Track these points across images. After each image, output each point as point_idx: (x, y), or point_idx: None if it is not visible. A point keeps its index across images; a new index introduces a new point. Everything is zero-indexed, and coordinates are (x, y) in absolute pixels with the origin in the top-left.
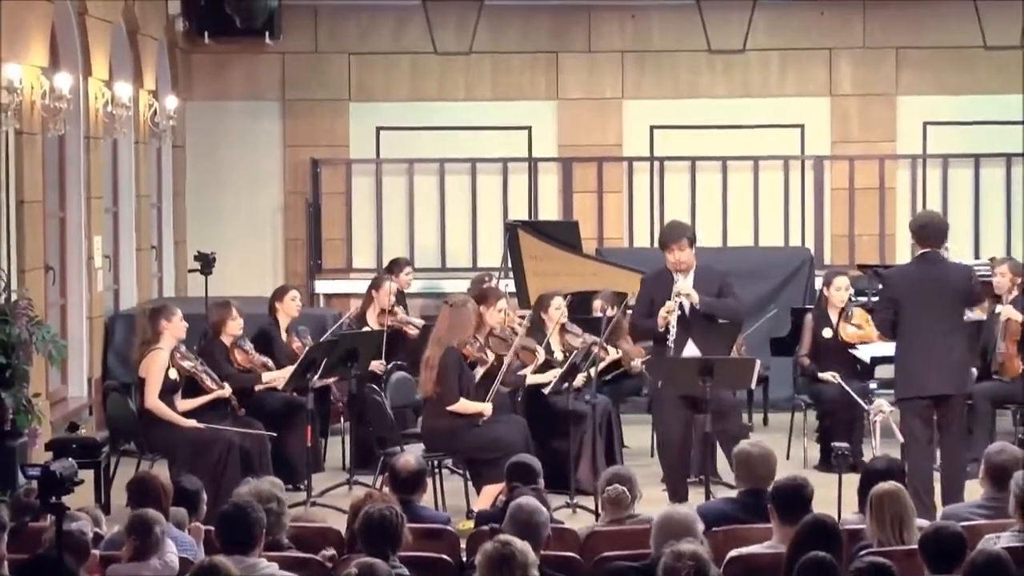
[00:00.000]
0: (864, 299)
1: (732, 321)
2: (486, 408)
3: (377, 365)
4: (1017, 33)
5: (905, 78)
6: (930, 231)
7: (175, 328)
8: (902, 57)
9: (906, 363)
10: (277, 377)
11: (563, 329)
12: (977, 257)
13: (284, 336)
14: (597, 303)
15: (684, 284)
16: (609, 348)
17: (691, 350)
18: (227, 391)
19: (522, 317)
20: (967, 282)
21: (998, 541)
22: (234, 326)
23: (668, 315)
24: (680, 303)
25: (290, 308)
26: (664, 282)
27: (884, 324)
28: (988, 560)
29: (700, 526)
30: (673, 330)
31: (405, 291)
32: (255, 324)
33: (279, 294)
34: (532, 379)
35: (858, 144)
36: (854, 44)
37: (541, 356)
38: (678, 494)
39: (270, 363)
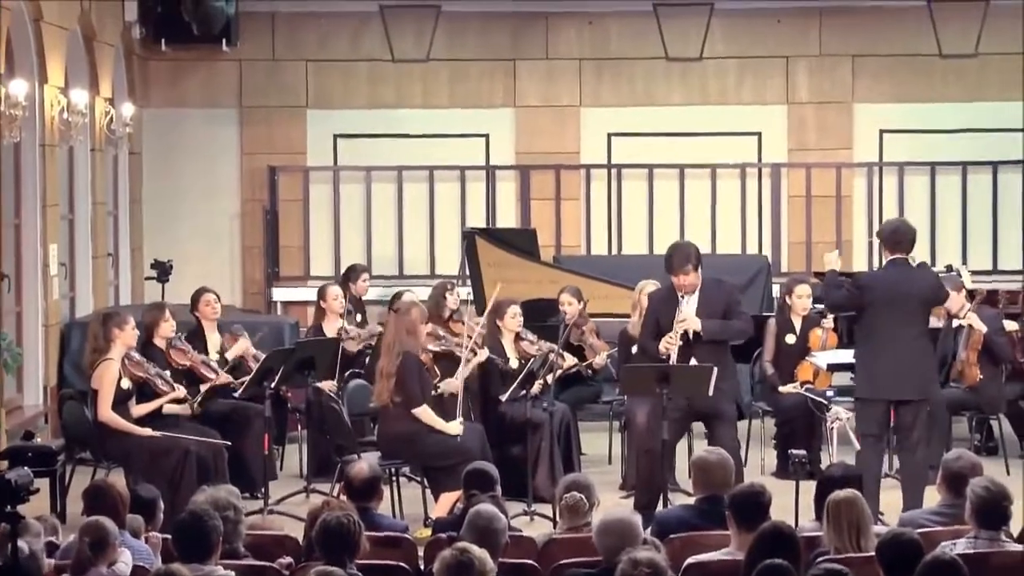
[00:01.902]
0: (821, 306)
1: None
2: (452, 428)
3: (328, 385)
4: (972, 41)
5: (861, 86)
6: (901, 237)
7: (127, 336)
8: (858, 65)
9: (870, 364)
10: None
11: (518, 337)
12: (933, 265)
13: (217, 336)
14: (563, 296)
15: (687, 312)
16: (567, 356)
17: None
18: (181, 392)
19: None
20: (936, 289)
21: (954, 548)
22: (167, 328)
23: (670, 346)
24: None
25: (207, 313)
26: (671, 303)
27: (836, 309)
28: (939, 565)
29: (640, 528)
30: (673, 359)
31: (362, 298)
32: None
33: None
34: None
35: (815, 152)
36: (810, 52)
37: (483, 355)
38: (643, 500)
39: (210, 360)
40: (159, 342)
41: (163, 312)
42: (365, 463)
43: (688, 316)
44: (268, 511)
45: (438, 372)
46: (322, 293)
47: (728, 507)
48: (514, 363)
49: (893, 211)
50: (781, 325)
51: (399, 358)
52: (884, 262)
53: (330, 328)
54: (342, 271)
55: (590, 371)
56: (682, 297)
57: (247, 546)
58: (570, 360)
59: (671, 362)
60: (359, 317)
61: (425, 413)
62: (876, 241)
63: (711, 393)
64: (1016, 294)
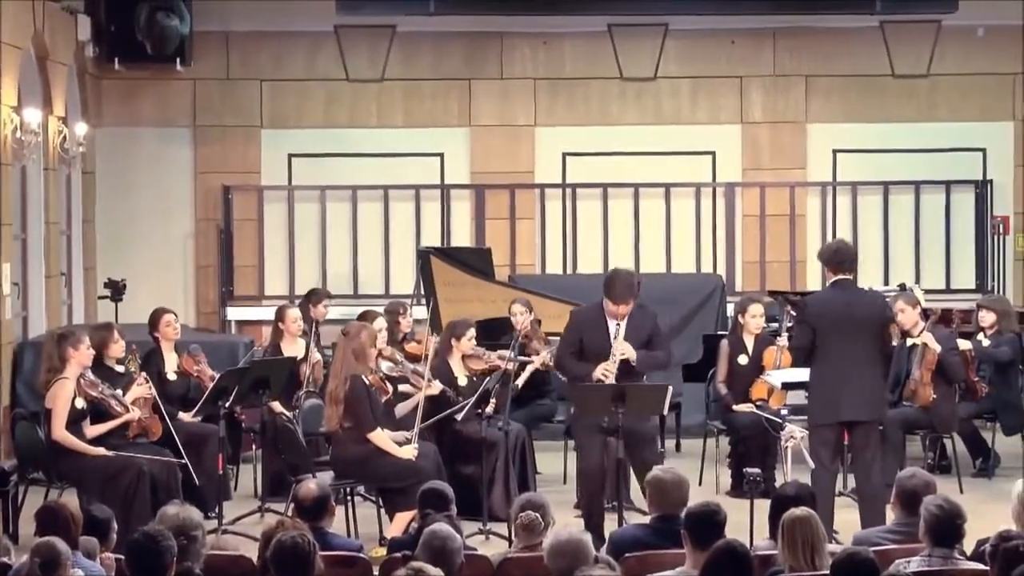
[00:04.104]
0: (776, 325)
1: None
2: (405, 453)
3: (277, 405)
4: (925, 62)
5: (815, 106)
6: (842, 256)
7: (81, 356)
8: (812, 85)
9: (821, 389)
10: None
11: (467, 356)
12: (887, 284)
13: (175, 356)
14: (515, 307)
15: (624, 344)
16: (532, 359)
17: None
18: (135, 414)
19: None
20: (883, 310)
21: (908, 566)
22: (116, 348)
23: (607, 375)
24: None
25: (167, 333)
26: (599, 326)
27: (801, 351)
28: None
29: (591, 547)
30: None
31: (320, 322)
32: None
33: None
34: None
35: (769, 171)
36: (764, 72)
37: (436, 388)
38: (593, 520)
39: (119, 395)
40: (108, 362)
41: (112, 332)
42: (313, 482)
43: (626, 346)
44: (222, 531)
45: (389, 389)
46: (281, 314)
47: (684, 526)
48: (462, 380)
49: (847, 230)
50: (734, 345)
51: (347, 383)
52: (828, 284)
53: (288, 349)
54: (296, 290)
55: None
56: (617, 325)
57: (202, 567)
58: (537, 360)
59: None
60: (314, 339)
61: (379, 437)
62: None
63: (665, 412)
64: (969, 313)
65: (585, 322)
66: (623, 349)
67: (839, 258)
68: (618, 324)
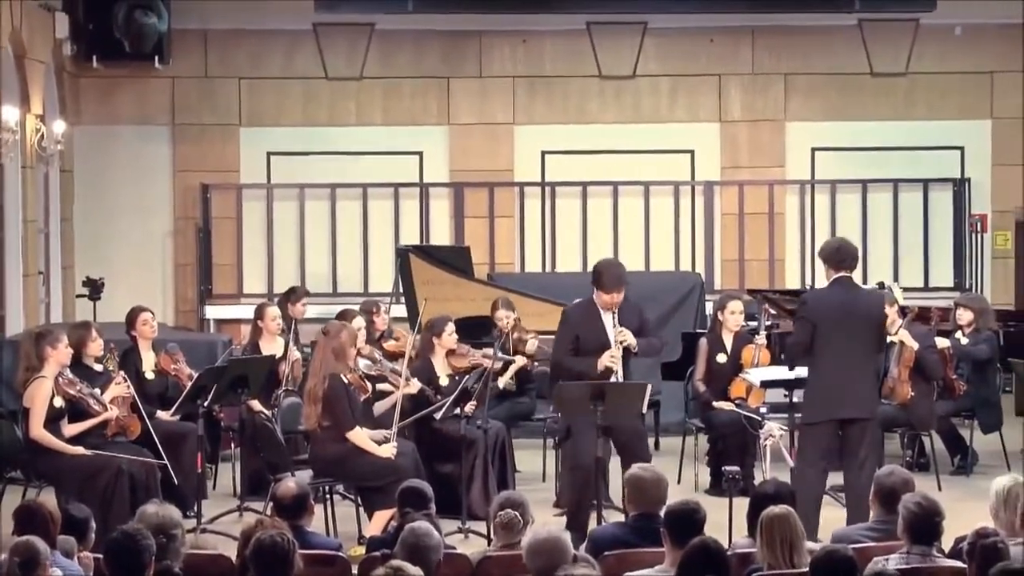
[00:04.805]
0: (755, 323)
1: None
2: (384, 452)
3: (256, 403)
4: (903, 60)
5: (793, 104)
6: (844, 255)
7: (60, 354)
8: (790, 84)
9: (820, 386)
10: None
11: (450, 353)
12: (865, 282)
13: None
14: (500, 313)
15: (625, 332)
16: (515, 359)
17: None
18: (113, 413)
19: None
20: (882, 309)
21: (887, 563)
22: (94, 347)
23: (614, 362)
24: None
25: (144, 332)
26: (593, 319)
27: (799, 347)
28: None
29: (570, 546)
30: (619, 376)
31: (299, 320)
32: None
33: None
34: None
35: (747, 169)
36: (743, 71)
37: (414, 387)
38: (581, 517)
39: (97, 394)
40: (87, 361)
41: (89, 331)
42: (292, 480)
43: (626, 333)
44: (201, 530)
45: (369, 388)
46: (260, 312)
47: (663, 524)
48: (444, 379)
49: (825, 228)
50: (712, 343)
51: (325, 381)
52: (828, 281)
53: (267, 347)
54: (275, 289)
55: (532, 365)
56: (613, 314)
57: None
58: (519, 360)
59: (618, 377)
60: (293, 337)
61: (358, 436)
62: (819, 261)
63: (644, 410)
64: (947, 311)
65: (579, 318)
66: (624, 336)
67: (840, 256)
68: (612, 314)
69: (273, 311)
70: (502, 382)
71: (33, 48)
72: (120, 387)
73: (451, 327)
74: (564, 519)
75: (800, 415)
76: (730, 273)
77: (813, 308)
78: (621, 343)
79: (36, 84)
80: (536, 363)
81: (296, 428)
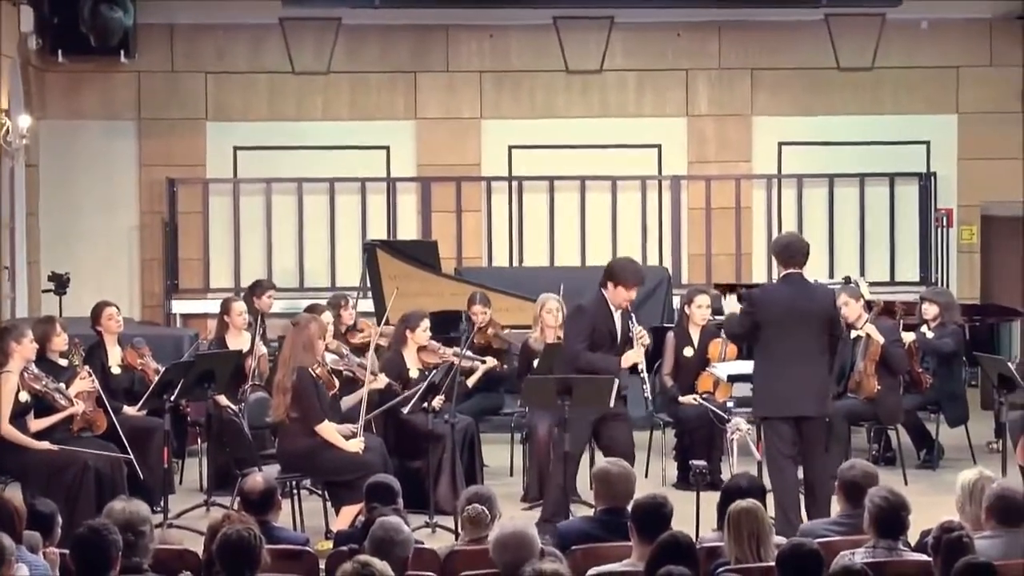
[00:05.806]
0: (721, 317)
1: None
2: (352, 446)
3: (222, 398)
4: (869, 55)
5: (760, 99)
6: (793, 250)
7: (25, 349)
8: (757, 78)
9: (769, 383)
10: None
11: (421, 348)
12: (831, 276)
13: (118, 349)
14: (476, 308)
15: (644, 331)
16: (487, 359)
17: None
18: (79, 408)
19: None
20: (833, 306)
21: (853, 557)
22: (59, 341)
23: (639, 360)
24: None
25: (110, 327)
26: (605, 315)
27: (736, 339)
28: (848, 574)
29: (537, 540)
30: (645, 375)
31: (265, 314)
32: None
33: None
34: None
35: (714, 164)
36: (710, 65)
37: (381, 382)
38: (565, 503)
39: (63, 389)
40: (52, 356)
41: (54, 326)
42: (259, 476)
43: (645, 333)
44: (167, 525)
45: (336, 383)
46: (226, 307)
47: (630, 518)
48: (415, 373)
49: (792, 222)
50: (679, 337)
51: (294, 373)
52: (777, 277)
53: (233, 342)
54: (242, 284)
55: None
56: (630, 314)
57: None
58: (490, 362)
59: (642, 374)
60: (260, 332)
61: (326, 430)
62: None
63: (612, 405)
64: (913, 305)
65: (594, 313)
66: (642, 334)
67: (790, 252)
68: (629, 314)
69: (239, 306)
70: (471, 382)
71: None
72: (85, 382)
73: (426, 323)
74: (532, 512)
75: (752, 408)
76: (697, 267)
77: (759, 304)
78: (642, 343)
79: (1, 78)
80: (504, 367)
81: (263, 423)
